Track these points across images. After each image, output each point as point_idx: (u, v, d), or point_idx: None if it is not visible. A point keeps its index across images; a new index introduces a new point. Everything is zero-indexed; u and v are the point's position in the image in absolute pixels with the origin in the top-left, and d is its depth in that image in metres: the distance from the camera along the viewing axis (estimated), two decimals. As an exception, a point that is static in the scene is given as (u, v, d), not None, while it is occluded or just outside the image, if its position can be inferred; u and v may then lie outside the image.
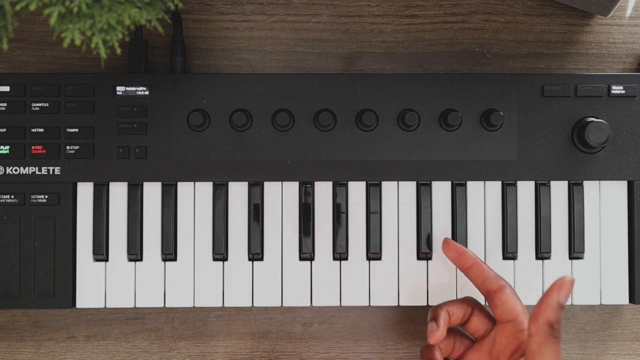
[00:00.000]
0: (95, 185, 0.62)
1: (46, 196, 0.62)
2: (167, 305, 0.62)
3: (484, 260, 0.63)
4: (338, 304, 0.63)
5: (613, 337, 0.67)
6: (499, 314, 0.56)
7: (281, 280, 0.63)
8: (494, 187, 0.64)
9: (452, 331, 0.60)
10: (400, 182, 0.63)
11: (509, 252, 0.63)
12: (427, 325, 0.57)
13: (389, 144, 0.63)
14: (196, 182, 0.63)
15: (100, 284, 0.62)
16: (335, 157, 0.63)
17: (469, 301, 0.59)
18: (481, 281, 0.57)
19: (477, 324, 0.58)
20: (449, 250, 0.60)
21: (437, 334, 0.56)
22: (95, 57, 0.67)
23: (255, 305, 0.63)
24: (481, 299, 0.62)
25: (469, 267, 0.58)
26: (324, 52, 0.67)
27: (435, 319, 0.57)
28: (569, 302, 0.63)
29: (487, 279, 0.57)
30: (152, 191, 0.63)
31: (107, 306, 0.62)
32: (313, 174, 0.63)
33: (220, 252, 0.62)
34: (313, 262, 0.63)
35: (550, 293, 0.51)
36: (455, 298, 0.63)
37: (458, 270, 0.63)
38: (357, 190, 0.63)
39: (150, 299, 0.62)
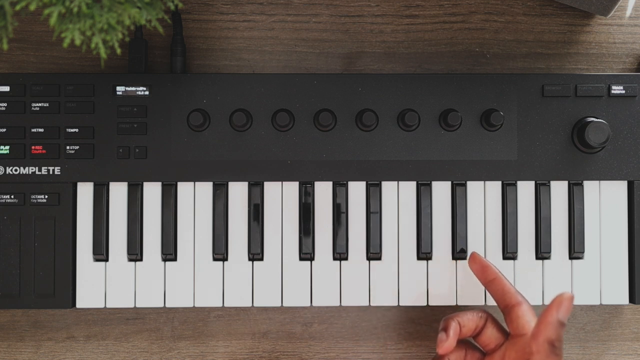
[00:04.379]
0: (95, 185, 0.62)
1: (46, 196, 0.62)
2: (167, 305, 0.62)
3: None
4: (338, 304, 0.63)
5: (613, 337, 0.67)
6: (513, 327, 0.56)
7: (281, 280, 0.63)
8: (494, 187, 0.64)
9: (463, 343, 0.60)
10: (400, 182, 0.63)
11: (509, 252, 0.63)
12: (437, 334, 0.57)
13: (389, 144, 0.63)
14: (196, 182, 0.63)
15: (100, 284, 0.62)
16: (335, 157, 0.63)
17: (481, 313, 0.59)
18: (501, 295, 0.57)
19: (489, 337, 0.58)
20: (474, 264, 0.60)
21: (446, 344, 0.56)
22: (95, 57, 0.67)
23: (255, 305, 0.62)
24: (491, 311, 0.62)
25: (491, 281, 0.58)
26: (324, 52, 0.67)
27: (445, 329, 0.57)
28: (569, 302, 0.63)
29: (507, 293, 0.57)
30: (152, 191, 0.63)
31: (107, 306, 0.62)
32: (313, 174, 0.63)
33: (220, 252, 0.62)
34: (313, 262, 0.63)
35: (549, 310, 0.51)
36: (455, 298, 0.63)
37: (458, 270, 0.63)
38: (357, 190, 0.63)
39: (150, 299, 0.62)
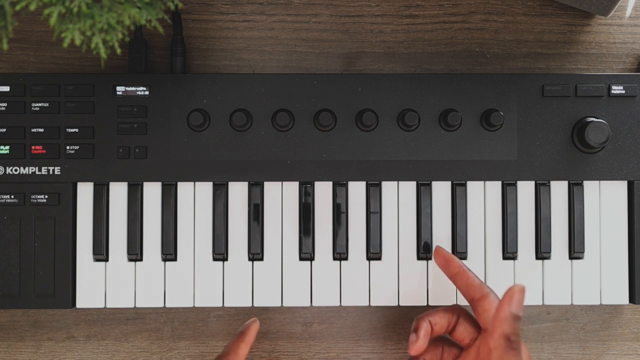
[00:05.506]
0: (95, 185, 0.62)
1: (46, 196, 0.62)
2: (167, 305, 0.62)
3: (483, 261, 0.63)
4: (338, 304, 0.63)
5: (613, 337, 0.67)
6: (483, 321, 0.56)
7: (281, 280, 0.63)
8: (494, 187, 0.64)
9: (440, 340, 0.59)
10: (400, 182, 0.63)
11: (509, 252, 0.63)
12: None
13: (389, 144, 0.63)
14: (196, 182, 0.63)
15: (100, 284, 0.62)
16: (335, 157, 0.63)
17: (454, 310, 0.58)
18: (466, 289, 0.57)
19: (463, 332, 0.58)
20: (437, 257, 0.60)
21: (416, 345, 0.56)
22: (95, 57, 0.67)
23: (255, 305, 0.62)
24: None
25: (454, 275, 0.58)
26: (324, 52, 0.67)
27: (416, 330, 0.57)
28: (569, 302, 0.63)
29: (471, 286, 0.57)
30: (152, 191, 0.63)
31: (107, 306, 0.62)
32: (313, 174, 0.63)
33: (220, 252, 0.62)
34: (313, 262, 0.63)
35: (501, 306, 0.50)
36: (454, 298, 0.63)
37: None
38: (357, 190, 0.63)
39: (150, 299, 0.62)
